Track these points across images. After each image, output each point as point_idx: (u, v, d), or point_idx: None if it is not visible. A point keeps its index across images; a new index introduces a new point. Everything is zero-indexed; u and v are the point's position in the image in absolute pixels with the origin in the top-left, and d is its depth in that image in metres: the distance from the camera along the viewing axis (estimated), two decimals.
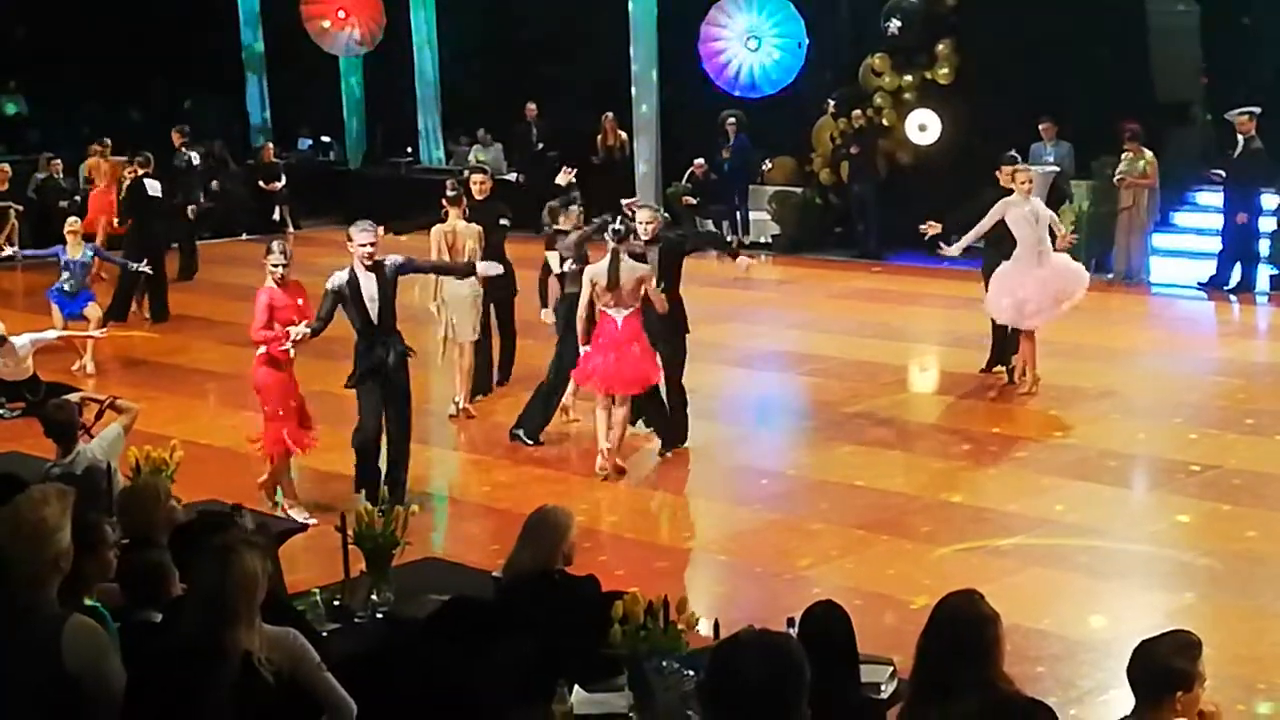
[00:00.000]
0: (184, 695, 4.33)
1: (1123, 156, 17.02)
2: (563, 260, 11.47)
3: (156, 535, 5.74)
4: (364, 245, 9.54)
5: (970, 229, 12.39)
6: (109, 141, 20.80)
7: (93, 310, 14.69)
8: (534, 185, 22.68)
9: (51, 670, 4.28)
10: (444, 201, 12.11)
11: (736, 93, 19.54)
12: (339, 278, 9.62)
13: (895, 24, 19.26)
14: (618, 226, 10.49)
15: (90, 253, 15.13)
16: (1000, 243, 12.27)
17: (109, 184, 19.27)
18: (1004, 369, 12.74)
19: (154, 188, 16.65)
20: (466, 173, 13.46)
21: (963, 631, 4.47)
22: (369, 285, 9.59)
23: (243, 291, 18.48)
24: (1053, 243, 12.22)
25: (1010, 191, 12.22)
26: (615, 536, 9.59)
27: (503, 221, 12.63)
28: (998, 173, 12.70)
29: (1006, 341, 12.68)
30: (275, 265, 9.59)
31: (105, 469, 7.48)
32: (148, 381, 13.97)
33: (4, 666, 4.33)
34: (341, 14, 20.94)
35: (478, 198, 12.56)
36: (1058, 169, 17.91)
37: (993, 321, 12.72)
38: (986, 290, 12.52)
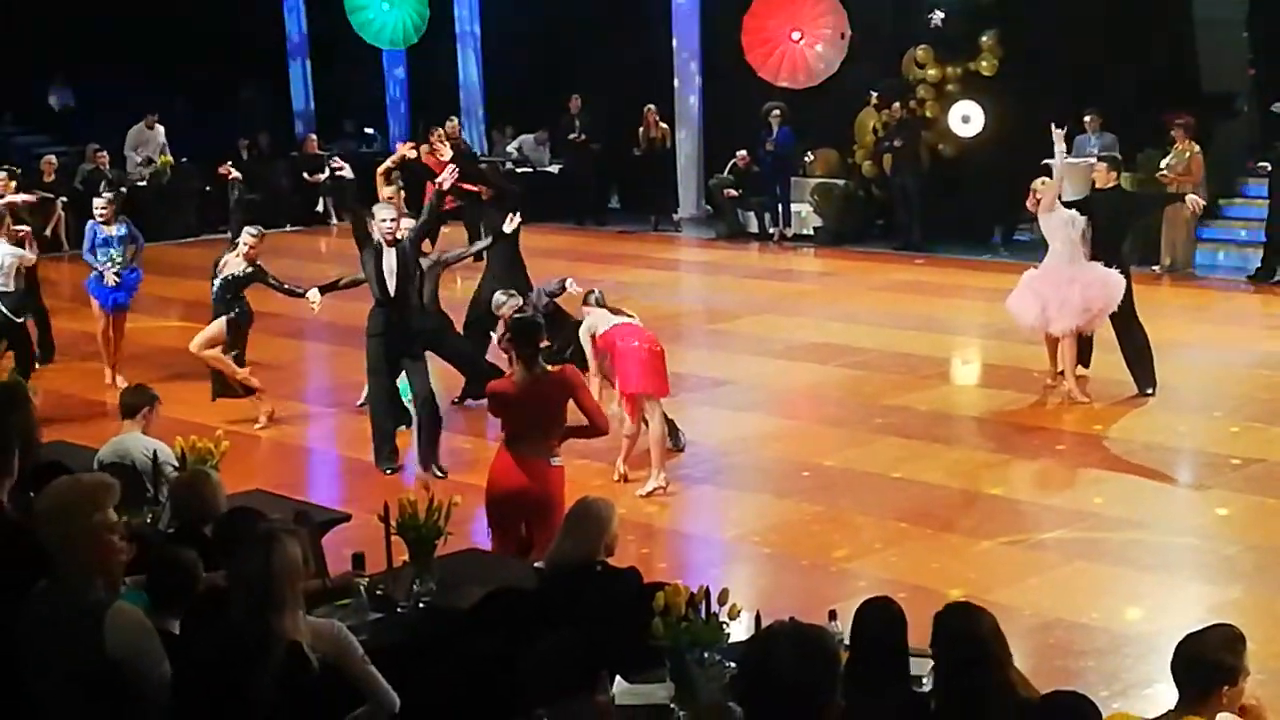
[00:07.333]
0: (232, 682, 4.36)
1: (1172, 149, 16.93)
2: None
3: (204, 527, 5.80)
4: (385, 222, 10.28)
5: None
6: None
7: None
8: (576, 176, 22.83)
9: (94, 655, 4.32)
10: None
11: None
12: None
13: (938, 15, 19.23)
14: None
15: (126, 227, 13.71)
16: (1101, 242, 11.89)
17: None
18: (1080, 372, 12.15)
19: None
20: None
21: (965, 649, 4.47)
22: (389, 259, 10.23)
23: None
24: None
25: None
26: (657, 528, 9.61)
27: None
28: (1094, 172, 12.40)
29: (1083, 341, 12.13)
30: None
31: (152, 455, 7.50)
32: (193, 371, 14.03)
33: (49, 648, 4.39)
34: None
35: (484, 201, 12.62)
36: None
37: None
38: None
